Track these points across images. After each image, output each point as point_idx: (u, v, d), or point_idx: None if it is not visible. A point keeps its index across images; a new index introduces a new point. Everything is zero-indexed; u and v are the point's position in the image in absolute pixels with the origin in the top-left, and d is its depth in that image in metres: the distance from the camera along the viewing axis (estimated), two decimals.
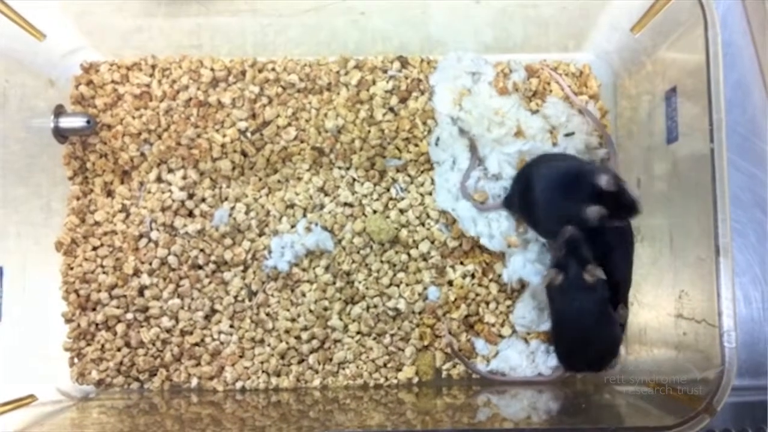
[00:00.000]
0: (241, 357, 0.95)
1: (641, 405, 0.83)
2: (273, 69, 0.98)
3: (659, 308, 0.87)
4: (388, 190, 0.97)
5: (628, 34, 0.91)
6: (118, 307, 0.95)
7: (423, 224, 0.96)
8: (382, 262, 0.95)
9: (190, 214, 0.96)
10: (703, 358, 0.76)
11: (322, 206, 0.97)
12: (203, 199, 0.96)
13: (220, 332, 0.95)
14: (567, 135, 0.94)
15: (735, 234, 0.97)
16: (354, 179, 0.97)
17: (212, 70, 0.97)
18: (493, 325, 0.95)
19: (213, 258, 0.95)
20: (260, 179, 0.97)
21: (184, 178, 0.96)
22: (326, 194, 0.97)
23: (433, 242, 0.96)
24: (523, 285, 0.95)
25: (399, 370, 0.95)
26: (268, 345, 0.95)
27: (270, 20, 0.94)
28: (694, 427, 0.71)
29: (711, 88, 0.73)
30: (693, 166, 0.78)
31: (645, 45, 0.90)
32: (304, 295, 0.95)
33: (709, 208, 0.73)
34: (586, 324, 0.86)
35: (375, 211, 0.96)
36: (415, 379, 0.95)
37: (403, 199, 0.97)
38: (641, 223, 0.92)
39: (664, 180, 0.86)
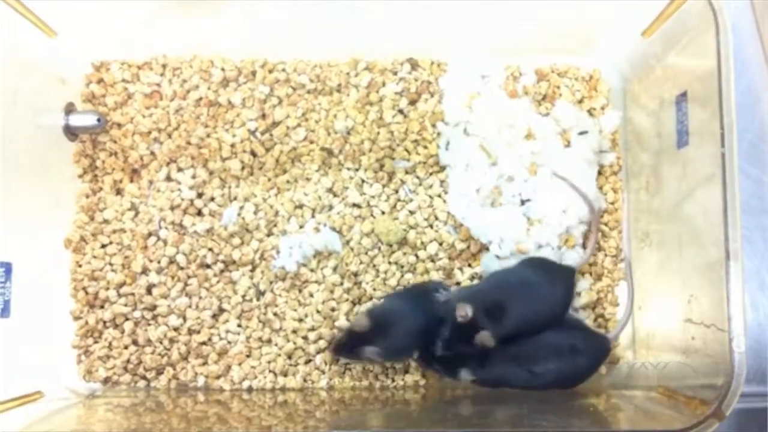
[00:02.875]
0: (248, 356, 0.95)
1: (649, 409, 0.83)
2: (283, 70, 0.98)
3: (668, 313, 0.86)
4: (397, 191, 0.97)
5: (638, 38, 0.91)
6: (125, 305, 0.95)
7: (431, 226, 0.96)
8: (389, 263, 0.95)
9: (199, 213, 0.96)
10: (711, 362, 0.76)
11: (330, 207, 0.97)
12: (212, 199, 0.96)
13: (227, 331, 0.95)
14: (581, 133, 0.94)
15: (743, 240, 0.96)
16: (363, 180, 0.97)
17: (223, 69, 0.98)
18: None
19: (221, 257, 0.95)
20: (269, 179, 0.97)
21: (194, 177, 0.96)
22: (335, 195, 0.97)
23: (441, 244, 0.96)
24: None
25: (406, 372, 0.95)
26: (276, 345, 0.95)
27: (281, 21, 0.94)
28: None
29: (722, 91, 0.73)
30: (703, 170, 0.78)
31: (655, 50, 0.90)
32: (311, 295, 0.95)
33: (719, 211, 0.73)
34: None
35: (383, 213, 0.96)
36: (422, 382, 0.94)
37: (411, 200, 0.97)
38: (650, 229, 0.93)
39: (674, 184, 0.86)
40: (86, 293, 0.95)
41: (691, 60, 0.82)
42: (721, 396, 0.72)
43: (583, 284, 0.95)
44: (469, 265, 0.96)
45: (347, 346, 0.89)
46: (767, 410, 0.92)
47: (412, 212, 0.96)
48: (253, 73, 0.98)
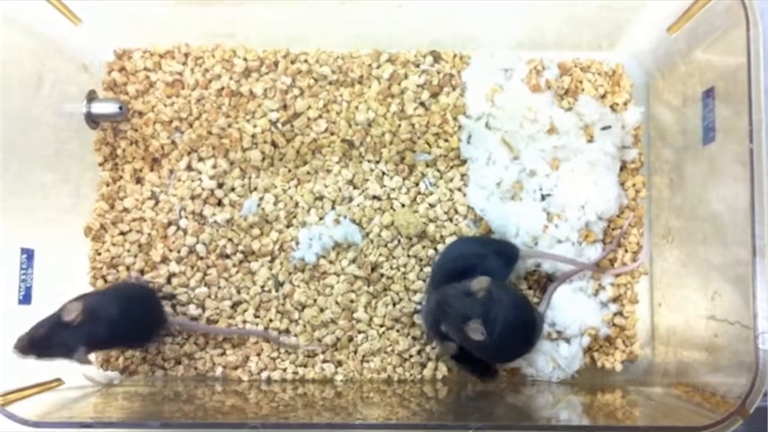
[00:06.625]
0: (266, 347, 0.95)
1: (671, 406, 0.82)
2: (305, 60, 0.98)
3: (690, 310, 0.86)
4: (417, 184, 0.97)
5: (663, 34, 0.91)
6: None
7: (451, 220, 0.96)
8: (409, 256, 0.95)
9: (220, 203, 0.96)
10: (735, 360, 0.76)
11: (350, 199, 0.96)
12: (233, 189, 0.96)
13: (245, 322, 0.95)
14: (604, 128, 0.93)
15: None
16: (383, 173, 0.97)
17: (245, 60, 0.97)
18: None
19: (241, 247, 0.95)
20: (290, 170, 0.97)
21: (214, 167, 0.96)
22: (355, 187, 0.97)
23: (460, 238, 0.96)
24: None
25: (423, 365, 0.94)
26: (294, 336, 0.94)
27: (304, 11, 0.94)
28: (726, 429, 0.71)
29: (751, 87, 0.73)
30: (730, 167, 0.77)
31: (679, 46, 0.90)
32: (330, 287, 0.95)
33: (745, 208, 0.73)
34: None
35: (403, 205, 0.96)
36: (440, 375, 0.94)
37: (431, 194, 0.96)
38: (672, 225, 0.92)
39: (698, 180, 0.85)
40: (105, 281, 0.95)
41: (719, 56, 0.82)
42: (745, 393, 0.71)
43: (607, 278, 0.94)
44: None
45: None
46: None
47: (432, 205, 0.96)
48: (275, 64, 0.98)
